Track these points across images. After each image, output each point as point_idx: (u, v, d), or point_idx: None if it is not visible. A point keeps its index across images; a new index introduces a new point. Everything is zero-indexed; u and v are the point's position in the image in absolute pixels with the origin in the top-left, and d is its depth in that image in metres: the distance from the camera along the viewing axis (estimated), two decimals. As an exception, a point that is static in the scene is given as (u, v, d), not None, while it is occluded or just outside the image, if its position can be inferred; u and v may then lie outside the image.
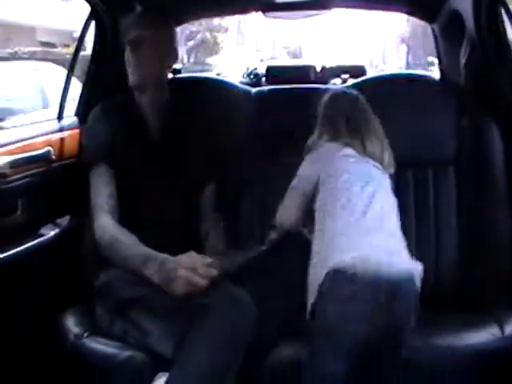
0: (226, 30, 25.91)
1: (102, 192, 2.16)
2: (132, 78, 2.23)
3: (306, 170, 2.15)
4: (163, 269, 1.91)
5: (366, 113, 2.23)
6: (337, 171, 2.05)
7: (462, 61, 2.50)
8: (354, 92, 2.30)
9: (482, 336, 1.90)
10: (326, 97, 2.29)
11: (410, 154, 2.40)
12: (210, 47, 24.49)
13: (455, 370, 1.82)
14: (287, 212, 2.13)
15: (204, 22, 21.14)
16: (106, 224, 2.11)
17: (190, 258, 1.91)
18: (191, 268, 1.87)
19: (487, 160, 2.34)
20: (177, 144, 2.26)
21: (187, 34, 22.12)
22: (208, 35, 24.23)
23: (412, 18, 2.89)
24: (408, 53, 25.20)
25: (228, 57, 20.80)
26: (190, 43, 23.30)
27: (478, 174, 2.35)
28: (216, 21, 23.07)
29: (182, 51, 19.08)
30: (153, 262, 1.94)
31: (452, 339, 1.94)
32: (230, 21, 25.20)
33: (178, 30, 2.55)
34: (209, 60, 20.94)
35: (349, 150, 2.11)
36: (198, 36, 23.70)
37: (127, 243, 2.04)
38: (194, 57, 24.06)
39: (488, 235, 2.28)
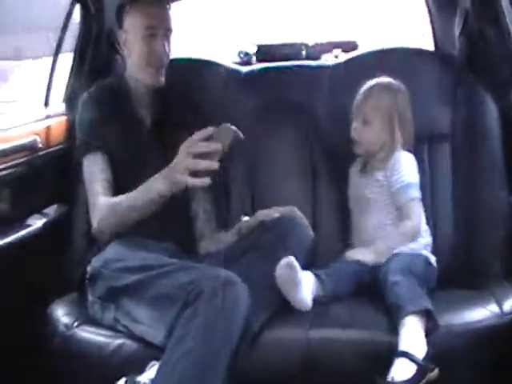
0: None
1: (98, 178, 2.13)
2: (155, 77, 2.19)
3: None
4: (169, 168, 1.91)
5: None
6: None
7: (457, 31, 2.44)
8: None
9: (481, 313, 1.85)
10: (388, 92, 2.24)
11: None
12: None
13: (454, 348, 1.77)
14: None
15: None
16: (103, 202, 2.09)
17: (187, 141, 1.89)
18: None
19: (483, 133, 2.28)
20: (169, 128, 2.22)
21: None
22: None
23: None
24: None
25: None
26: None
27: (475, 147, 2.28)
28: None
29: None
30: (156, 179, 1.96)
31: (451, 317, 1.88)
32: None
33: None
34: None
35: None
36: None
37: (125, 195, 2.04)
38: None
39: (485, 211, 2.23)
